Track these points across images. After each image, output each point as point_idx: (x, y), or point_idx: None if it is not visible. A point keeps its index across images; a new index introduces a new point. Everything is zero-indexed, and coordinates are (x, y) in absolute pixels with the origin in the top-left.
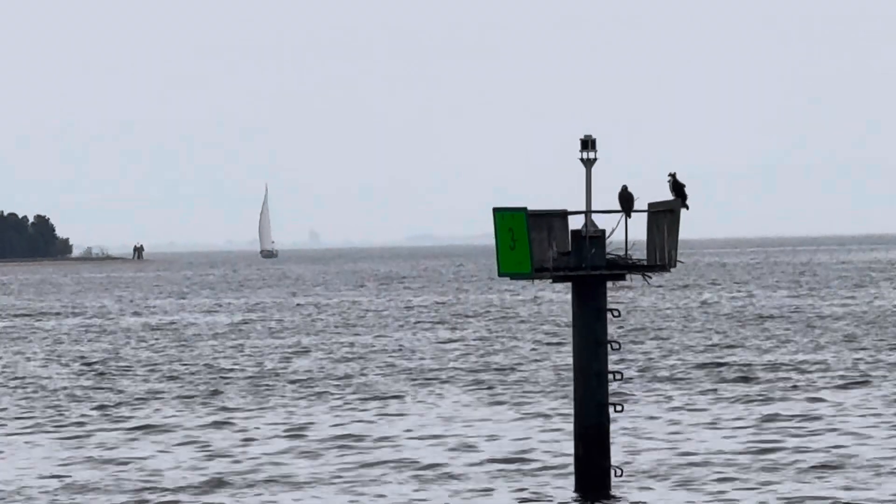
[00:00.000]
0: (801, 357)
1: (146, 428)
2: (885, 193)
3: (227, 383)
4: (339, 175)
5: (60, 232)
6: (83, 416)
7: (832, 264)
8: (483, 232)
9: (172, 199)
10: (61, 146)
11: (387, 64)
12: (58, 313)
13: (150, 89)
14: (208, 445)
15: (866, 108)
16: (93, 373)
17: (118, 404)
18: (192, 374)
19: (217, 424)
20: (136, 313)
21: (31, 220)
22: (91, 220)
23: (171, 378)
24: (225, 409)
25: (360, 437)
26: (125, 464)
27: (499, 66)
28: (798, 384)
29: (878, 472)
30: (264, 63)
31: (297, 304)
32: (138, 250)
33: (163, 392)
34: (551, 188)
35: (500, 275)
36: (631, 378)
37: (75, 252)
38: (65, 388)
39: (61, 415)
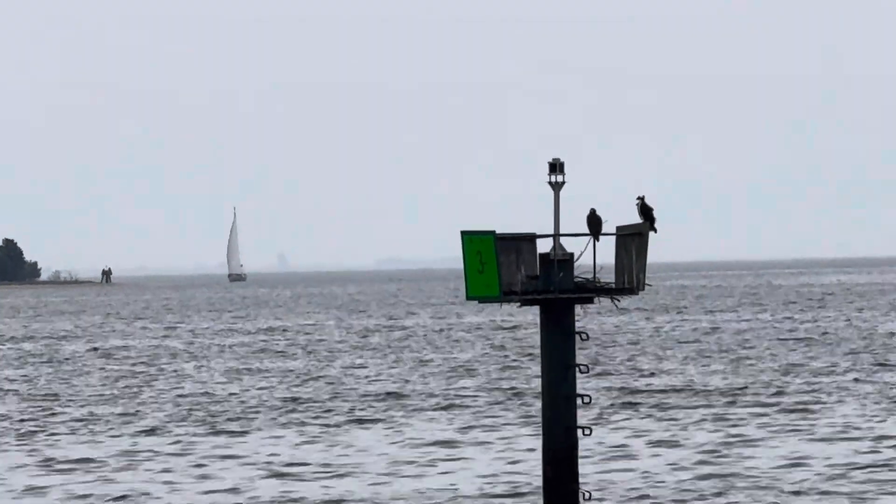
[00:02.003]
0: (765, 378)
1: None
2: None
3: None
4: (308, 199)
5: (28, 255)
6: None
7: (789, 287)
8: (452, 255)
9: (141, 222)
10: (30, 169)
11: (354, 87)
12: None
13: (119, 111)
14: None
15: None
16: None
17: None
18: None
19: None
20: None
21: None
22: (60, 243)
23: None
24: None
25: (315, 464)
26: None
27: (466, 90)
28: (762, 405)
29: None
30: (233, 86)
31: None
32: (107, 274)
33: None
34: (519, 211)
35: (468, 298)
36: (600, 401)
37: (43, 276)
38: None
39: None
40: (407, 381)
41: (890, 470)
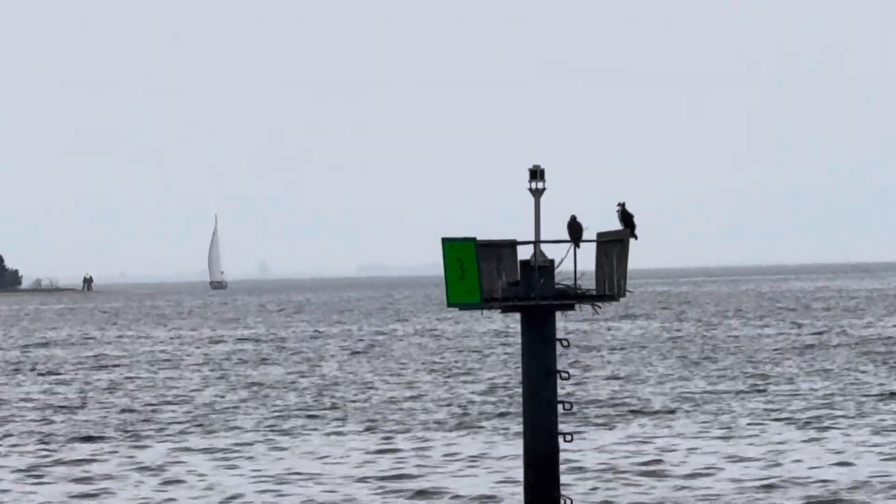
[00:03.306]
0: (740, 386)
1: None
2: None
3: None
4: (289, 206)
5: (9, 263)
6: None
7: (771, 293)
8: (432, 262)
9: (122, 230)
10: (10, 177)
11: (334, 96)
12: None
13: (99, 117)
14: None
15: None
16: None
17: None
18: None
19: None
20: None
21: None
22: (41, 251)
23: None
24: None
25: (297, 473)
26: None
27: (447, 95)
28: (741, 415)
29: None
30: (217, 94)
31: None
32: (88, 281)
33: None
34: (500, 218)
35: (449, 305)
36: (581, 407)
37: (25, 283)
38: None
39: None
40: (388, 387)
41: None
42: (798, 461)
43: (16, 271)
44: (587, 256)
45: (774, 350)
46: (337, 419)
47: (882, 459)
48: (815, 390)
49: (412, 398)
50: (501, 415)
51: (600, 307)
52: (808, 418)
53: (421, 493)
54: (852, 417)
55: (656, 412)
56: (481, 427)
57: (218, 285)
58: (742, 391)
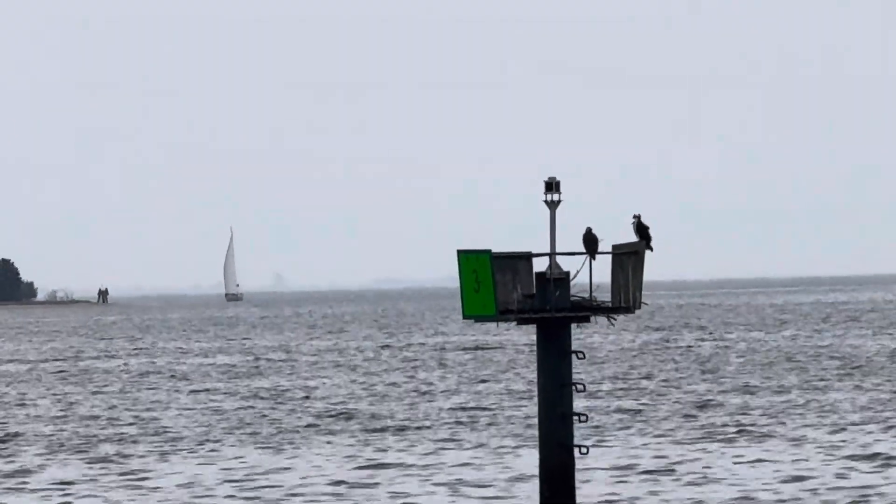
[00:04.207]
0: (759, 401)
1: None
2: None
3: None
4: (305, 218)
5: (25, 275)
6: None
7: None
8: (447, 274)
9: (138, 242)
10: (26, 188)
11: (349, 107)
12: None
13: (114, 131)
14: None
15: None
16: None
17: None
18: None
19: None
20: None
21: None
22: (56, 263)
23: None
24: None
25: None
26: None
27: (462, 107)
28: (755, 425)
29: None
30: (230, 106)
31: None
32: (103, 294)
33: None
34: (515, 230)
35: (464, 317)
36: (596, 420)
37: (40, 295)
38: None
39: None
40: (402, 399)
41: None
42: (818, 470)
43: (31, 283)
44: (603, 268)
45: (791, 359)
46: (349, 429)
47: None
48: (840, 401)
49: (425, 408)
50: (516, 427)
51: (616, 319)
52: (831, 429)
53: None
54: (882, 422)
55: (673, 424)
56: (495, 439)
57: (234, 298)
58: (764, 402)
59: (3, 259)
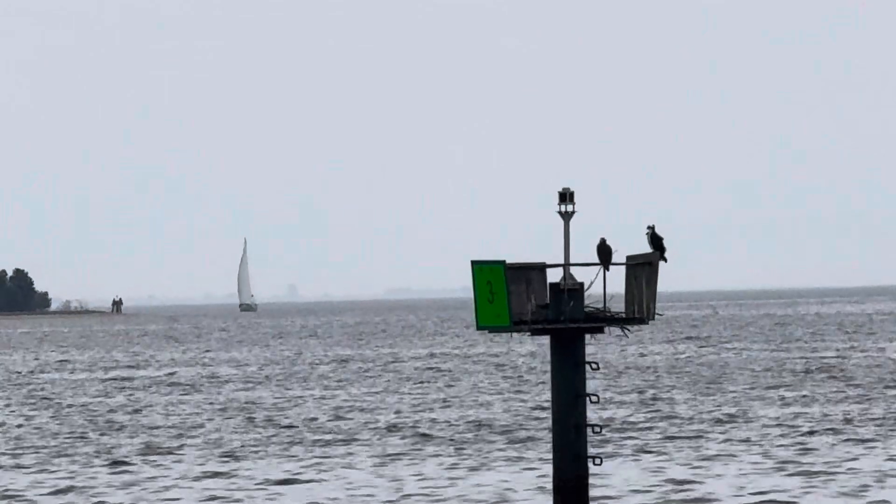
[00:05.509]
0: (776, 412)
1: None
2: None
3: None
4: (318, 229)
5: (39, 286)
6: None
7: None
8: (461, 285)
9: (152, 252)
10: (41, 199)
11: (362, 119)
12: None
13: (130, 141)
14: None
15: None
16: None
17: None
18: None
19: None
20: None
21: (9, 273)
22: (70, 273)
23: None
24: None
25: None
26: None
27: (476, 118)
28: (770, 435)
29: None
30: (248, 116)
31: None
32: (117, 304)
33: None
34: (529, 241)
35: (478, 328)
36: (610, 431)
37: (54, 305)
38: None
39: None
40: (415, 411)
41: None
42: (830, 484)
43: (45, 294)
44: (618, 279)
45: (805, 372)
46: (364, 442)
47: None
48: (850, 412)
49: (439, 420)
50: (530, 438)
51: (630, 330)
52: (846, 440)
53: None
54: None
55: (687, 435)
56: (509, 450)
57: (247, 308)
58: (772, 414)
59: (17, 269)
